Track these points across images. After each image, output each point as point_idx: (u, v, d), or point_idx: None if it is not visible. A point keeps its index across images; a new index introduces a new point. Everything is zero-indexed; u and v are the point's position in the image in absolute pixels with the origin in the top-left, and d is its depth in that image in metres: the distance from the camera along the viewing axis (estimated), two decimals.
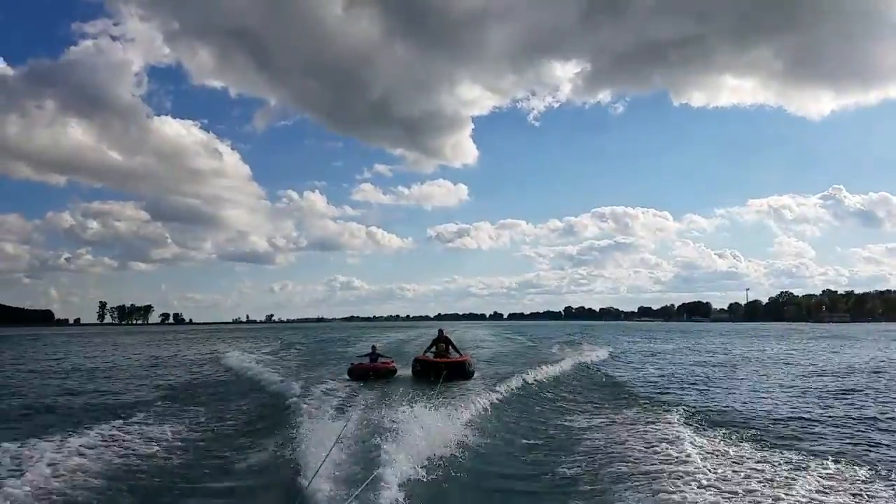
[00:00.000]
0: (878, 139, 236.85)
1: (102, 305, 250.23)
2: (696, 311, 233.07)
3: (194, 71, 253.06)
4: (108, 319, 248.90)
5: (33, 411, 14.60)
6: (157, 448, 10.16)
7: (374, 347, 21.36)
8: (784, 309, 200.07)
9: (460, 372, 18.34)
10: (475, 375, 18.88)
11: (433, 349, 19.78)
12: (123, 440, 10.51)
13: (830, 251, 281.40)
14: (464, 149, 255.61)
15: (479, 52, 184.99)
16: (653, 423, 11.98)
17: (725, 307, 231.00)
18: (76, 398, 16.93)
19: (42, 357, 37.56)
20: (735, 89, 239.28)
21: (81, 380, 22.49)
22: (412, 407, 10.99)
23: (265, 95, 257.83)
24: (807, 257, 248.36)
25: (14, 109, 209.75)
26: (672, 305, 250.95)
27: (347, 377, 18.58)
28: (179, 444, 10.64)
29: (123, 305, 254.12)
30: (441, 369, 17.66)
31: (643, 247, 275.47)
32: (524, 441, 10.99)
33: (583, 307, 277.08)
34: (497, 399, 14.52)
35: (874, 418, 13.00)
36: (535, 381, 18.61)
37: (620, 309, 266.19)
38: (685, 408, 13.84)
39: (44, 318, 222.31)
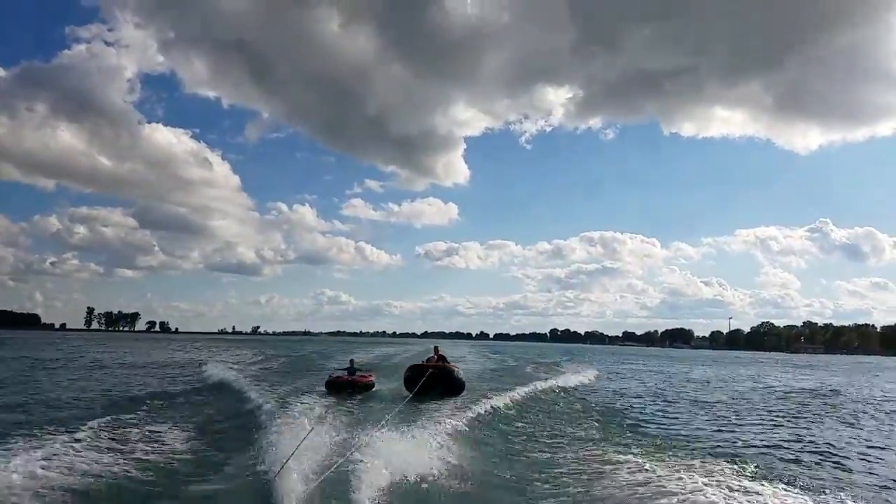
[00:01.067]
0: (864, 175, 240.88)
1: (90, 311, 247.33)
2: (678, 338, 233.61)
3: (188, 80, 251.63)
4: (94, 325, 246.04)
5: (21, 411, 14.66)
6: (129, 451, 10.15)
7: (352, 361, 21.35)
8: (764, 339, 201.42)
9: (450, 379, 18.58)
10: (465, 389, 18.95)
11: (426, 362, 19.75)
12: (97, 445, 10.46)
13: (816, 283, 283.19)
14: (455, 168, 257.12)
15: (474, 74, 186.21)
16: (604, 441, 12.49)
17: (708, 335, 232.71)
18: (58, 400, 17.05)
19: (36, 358, 37.44)
20: (725, 121, 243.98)
21: (62, 382, 22.56)
22: (385, 422, 10.98)
23: (258, 107, 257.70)
24: (792, 288, 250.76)
25: (4, 110, 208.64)
26: (656, 331, 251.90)
27: (325, 390, 18.63)
28: (151, 448, 10.64)
29: (111, 312, 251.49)
30: (431, 374, 17.88)
31: (630, 272, 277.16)
32: (506, 460, 10.89)
33: (568, 330, 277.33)
34: (479, 415, 14.55)
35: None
36: (515, 400, 18.56)
37: (605, 333, 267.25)
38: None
39: (30, 321, 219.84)
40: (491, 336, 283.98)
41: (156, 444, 10.99)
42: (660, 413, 18.53)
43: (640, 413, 18.32)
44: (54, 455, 9.15)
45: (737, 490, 8.39)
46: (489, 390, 20.10)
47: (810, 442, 13.70)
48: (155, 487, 8.49)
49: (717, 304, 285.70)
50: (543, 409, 18.33)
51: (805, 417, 18.56)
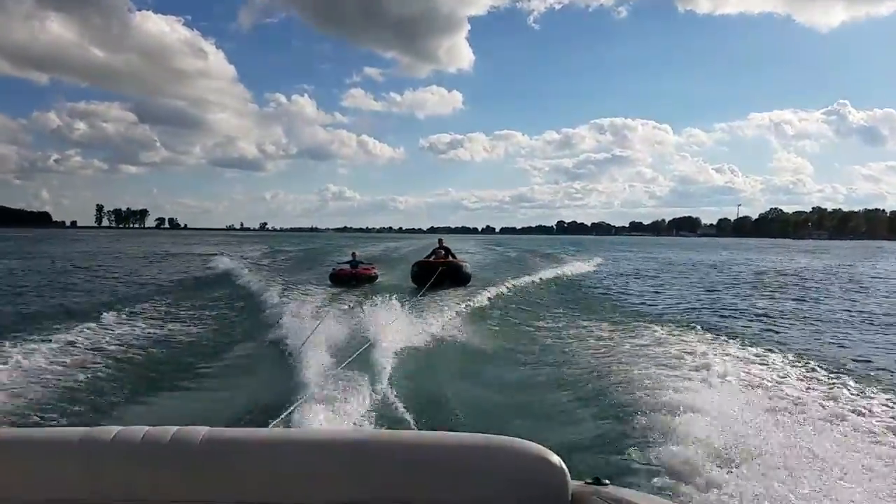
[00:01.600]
0: (888, 53, 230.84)
1: (99, 209, 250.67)
2: (685, 227, 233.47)
3: None
4: (105, 223, 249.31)
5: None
6: (143, 340, 10.47)
7: (354, 255, 21.15)
8: (772, 225, 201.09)
9: (458, 274, 18.89)
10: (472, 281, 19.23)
11: (432, 256, 20.15)
12: (115, 333, 10.81)
13: (829, 168, 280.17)
14: (460, 53, 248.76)
15: None
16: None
17: (715, 223, 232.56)
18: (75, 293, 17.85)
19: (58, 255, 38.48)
20: None
21: (81, 276, 23.40)
22: (394, 305, 11.16)
23: None
24: (805, 173, 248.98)
25: None
26: (663, 221, 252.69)
27: (329, 283, 19.01)
28: (167, 335, 11.07)
29: (120, 209, 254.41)
30: (441, 271, 18.15)
31: (640, 160, 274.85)
32: (512, 339, 11.28)
33: (574, 222, 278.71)
34: (483, 301, 15.02)
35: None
36: (514, 287, 19.11)
37: (612, 224, 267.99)
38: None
39: (41, 219, 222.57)
40: (497, 230, 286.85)
41: (177, 327, 11.71)
42: (622, 290, 21.32)
43: (609, 290, 21.13)
44: (75, 342, 9.60)
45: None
46: (492, 279, 20.73)
47: (744, 309, 16.28)
48: (175, 369, 8.72)
49: (728, 192, 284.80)
50: (537, 292, 19.17)
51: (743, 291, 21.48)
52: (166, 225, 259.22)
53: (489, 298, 15.67)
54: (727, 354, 9.14)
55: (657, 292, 20.83)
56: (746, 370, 8.09)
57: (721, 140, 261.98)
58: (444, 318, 12.08)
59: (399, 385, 7.03)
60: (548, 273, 25.27)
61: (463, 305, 13.90)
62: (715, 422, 5.48)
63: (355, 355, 7.33)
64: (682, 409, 5.90)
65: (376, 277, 20.22)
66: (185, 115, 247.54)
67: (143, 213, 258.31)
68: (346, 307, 13.21)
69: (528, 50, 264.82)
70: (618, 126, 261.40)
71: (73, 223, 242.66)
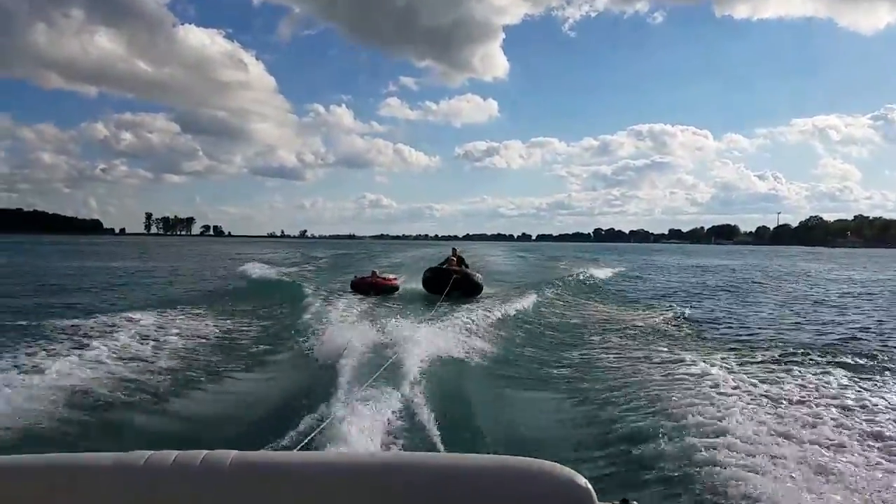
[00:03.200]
0: None
1: (148, 216, 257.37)
2: (723, 235, 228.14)
3: None
4: (153, 230, 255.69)
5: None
6: (183, 343, 11.10)
7: (373, 272, 21.13)
8: (810, 233, 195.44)
9: (470, 284, 19.01)
10: (483, 291, 19.37)
11: (445, 265, 20.28)
12: (155, 335, 11.50)
13: (879, 174, 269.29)
14: (494, 61, 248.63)
15: None
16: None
17: (769, 229, 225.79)
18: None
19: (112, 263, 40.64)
20: (782, 0, 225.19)
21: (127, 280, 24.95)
22: (417, 316, 11.84)
23: (289, 3, 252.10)
24: (852, 180, 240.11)
25: (42, 18, 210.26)
26: (702, 228, 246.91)
27: (351, 290, 19.29)
28: (203, 340, 11.59)
29: (168, 217, 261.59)
30: (452, 277, 18.31)
31: (681, 166, 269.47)
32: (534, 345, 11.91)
33: (612, 229, 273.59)
34: (503, 313, 15.04)
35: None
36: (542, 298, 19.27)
37: (651, 231, 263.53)
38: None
39: (93, 227, 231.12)
40: (533, 237, 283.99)
41: (202, 339, 11.96)
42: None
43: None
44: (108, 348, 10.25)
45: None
46: (509, 287, 21.30)
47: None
48: (211, 374, 9.14)
49: (772, 199, 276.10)
50: (554, 301, 19.29)
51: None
52: (211, 232, 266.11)
53: (505, 310, 15.59)
54: (747, 372, 9.05)
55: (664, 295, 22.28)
56: (774, 389, 7.93)
57: (763, 146, 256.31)
58: (463, 330, 12.10)
59: (422, 403, 6.97)
60: (570, 280, 25.70)
61: (481, 317, 13.94)
62: (746, 446, 5.47)
63: (379, 372, 7.35)
64: (712, 431, 5.91)
65: (397, 288, 20.39)
66: (226, 125, 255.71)
67: (189, 221, 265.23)
68: (369, 319, 13.31)
69: (563, 57, 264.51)
70: (656, 132, 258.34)
71: (122, 230, 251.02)
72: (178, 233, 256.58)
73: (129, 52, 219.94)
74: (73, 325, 12.33)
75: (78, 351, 9.77)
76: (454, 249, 21.79)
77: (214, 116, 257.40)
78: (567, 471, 1.51)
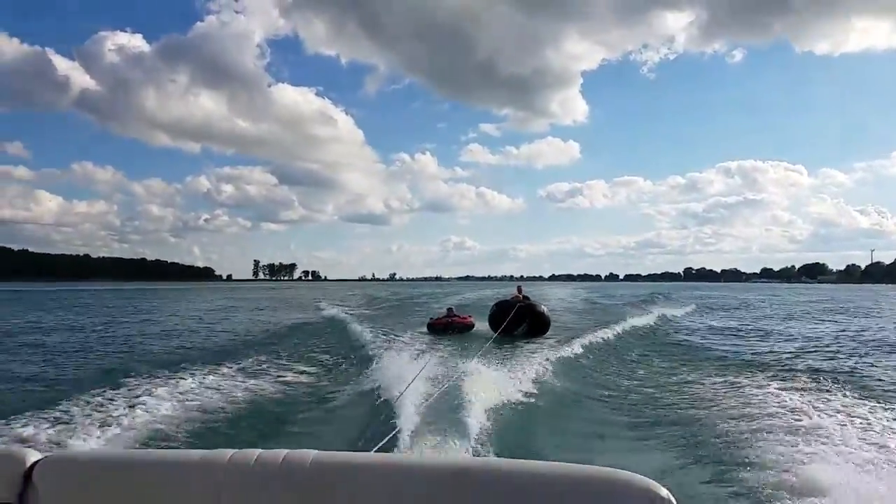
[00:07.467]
0: None
1: (256, 263, 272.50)
2: (811, 273, 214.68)
3: (308, 40, 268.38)
4: (260, 276, 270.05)
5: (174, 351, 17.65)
6: (256, 386, 11.21)
7: (450, 309, 21.27)
8: None
9: (537, 317, 18.70)
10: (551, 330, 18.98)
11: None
12: (231, 378, 11.69)
13: None
14: (573, 105, 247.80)
15: (585, 4, 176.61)
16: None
17: (859, 267, 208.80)
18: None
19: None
20: (865, 32, 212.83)
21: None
22: (486, 355, 11.61)
23: (374, 61, 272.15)
24: None
25: (151, 83, 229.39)
26: (793, 267, 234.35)
27: (427, 331, 19.57)
28: (286, 382, 11.90)
29: (273, 263, 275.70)
30: (519, 309, 18.23)
31: (775, 203, 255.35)
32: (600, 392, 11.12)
33: (704, 268, 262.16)
34: (569, 354, 14.64)
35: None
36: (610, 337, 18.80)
37: (743, 270, 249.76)
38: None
39: (207, 274, 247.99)
40: (621, 277, 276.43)
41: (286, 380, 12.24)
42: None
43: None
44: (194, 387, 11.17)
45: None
46: (576, 328, 21.18)
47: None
48: (281, 416, 9.32)
49: (877, 235, 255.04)
50: (620, 344, 18.53)
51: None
52: (309, 277, 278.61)
53: (573, 349, 15.28)
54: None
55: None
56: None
57: (862, 180, 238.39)
58: (532, 369, 11.77)
59: (489, 428, 7.01)
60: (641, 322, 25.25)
61: (549, 355, 13.65)
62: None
63: (444, 388, 7.61)
64: (800, 461, 5.84)
65: (472, 326, 20.25)
66: (319, 176, 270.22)
67: (291, 267, 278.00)
68: (443, 354, 13.57)
69: (643, 98, 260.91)
70: (746, 169, 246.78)
71: (229, 276, 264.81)
72: (282, 278, 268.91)
73: (229, 110, 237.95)
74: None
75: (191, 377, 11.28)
76: (519, 287, 21.58)
77: (308, 168, 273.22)
78: (648, 481, 1.42)
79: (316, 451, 1.62)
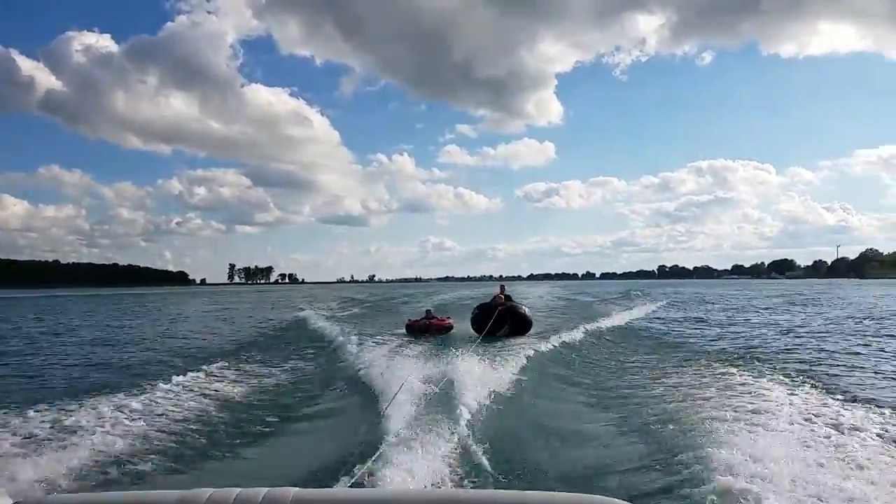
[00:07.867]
0: None
1: (231, 267, 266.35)
2: (782, 269, 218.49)
3: (282, 40, 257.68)
4: (236, 279, 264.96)
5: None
6: (235, 391, 11.04)
7: (428, 311, 21.03)
8: (868, 266, 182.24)
9: (519, 318, 18.70)
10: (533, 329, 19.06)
11: (491, 302, 19.73)
12: (201, 387, 11.24)
13: None
14: (549, 107, 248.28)
15: (560, 7, 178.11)
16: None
17: (826, 263, 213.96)
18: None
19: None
20: (829, 36, 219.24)
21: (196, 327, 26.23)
22: (469, 355, 11.49)
23: (350, 62, 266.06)
24: None
25: (120, 84, 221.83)
26: (762, 263, 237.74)
27: (405, 332, 19.25)
28: (251, 388, 11.48)
29: (248, 267, 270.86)
30: (500, 312, 18.09)
31: (745, 201, 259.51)
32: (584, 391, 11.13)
33: (676, 265, 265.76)
34: (551, 349, 15.01)
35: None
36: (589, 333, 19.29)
37: (715, 267, 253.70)
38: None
39: (181, 278, 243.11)
40: (597, 275, 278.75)
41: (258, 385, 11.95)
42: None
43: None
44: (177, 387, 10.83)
45: None
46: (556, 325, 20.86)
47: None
48: (259, 425, 8.92)
49: (843, 231, 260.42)
50: (596, 341, 18.72)
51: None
52: (286, 280, 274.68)
53: (553, 346, 15.53)
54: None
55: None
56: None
57: (828, 178, 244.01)
58: (516, 366, 11.90)
59: (473, 438, 6.86)
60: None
61: (532, 353, 13.75)
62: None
63: (427, 402, 7.41)
64: (772, 460, 5.82)
65: (451, 328, 20.03)
66: (294, 177, 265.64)
67: (268, 270, 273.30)
68: (423, 358, 13.14)
69: (616, 99, 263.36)
70: (717, 168, 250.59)
71: (203, 280, 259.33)
72: (258, 281, 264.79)
73: (201, 112, 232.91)
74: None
75: (145, 394, 10.20)
76: (502, 287, 21.40)
77: (283, 170, 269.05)
78: None
79: (297, 489, 1.58)
